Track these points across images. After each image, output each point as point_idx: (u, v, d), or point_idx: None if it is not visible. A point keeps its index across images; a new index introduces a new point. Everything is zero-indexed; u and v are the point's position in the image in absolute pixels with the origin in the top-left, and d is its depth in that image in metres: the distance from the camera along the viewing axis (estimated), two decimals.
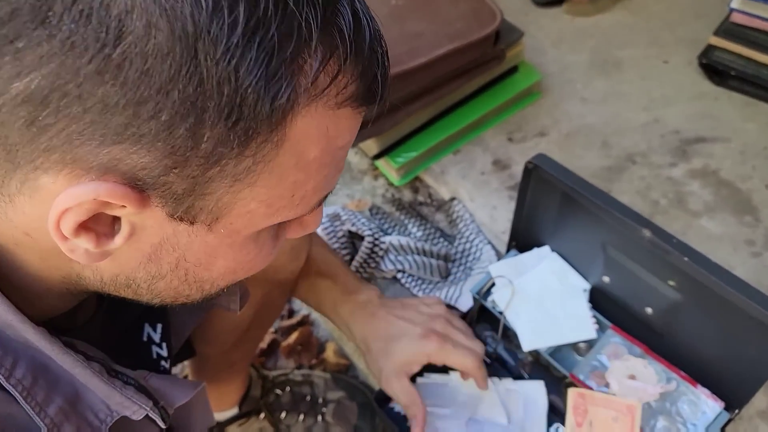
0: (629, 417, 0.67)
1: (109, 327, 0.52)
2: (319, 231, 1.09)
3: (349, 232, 1.10)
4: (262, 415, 1.03)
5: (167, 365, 0.60)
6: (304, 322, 1.24)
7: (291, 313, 1.26)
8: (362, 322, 0.80)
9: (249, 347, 0.95)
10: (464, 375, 0.83)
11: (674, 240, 0.69)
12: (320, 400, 1.07)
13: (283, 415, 1.04)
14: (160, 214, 0.35)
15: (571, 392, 0.71)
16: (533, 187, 0.82)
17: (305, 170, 0.36)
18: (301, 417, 1.05)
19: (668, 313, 0.77)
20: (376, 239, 1.06)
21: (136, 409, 0.43)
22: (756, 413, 0.83)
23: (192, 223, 0.36)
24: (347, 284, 0.84)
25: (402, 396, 0.78)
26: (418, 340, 0.77)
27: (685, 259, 0.67)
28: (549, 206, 0.83)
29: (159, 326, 0.60)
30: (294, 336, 1.19)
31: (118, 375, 0.44)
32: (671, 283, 0.74)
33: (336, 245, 1.09)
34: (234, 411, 1.02)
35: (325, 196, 0.41)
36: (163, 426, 0.45)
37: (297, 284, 0.86)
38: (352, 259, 1.09)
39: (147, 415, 0.44)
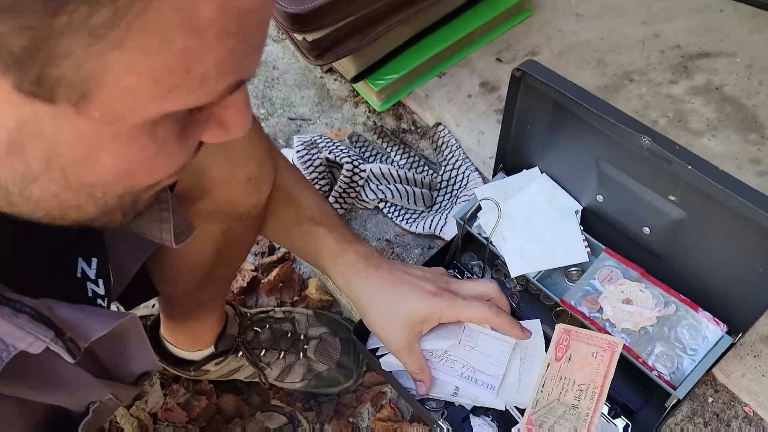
0: (609, 353, 0.63)
1: (28, 258, 0.44)
2: (295, 160, 1.02)
3: (327, 159, 1.03)
4: (240, 353, 0.98)
5: (104, 303, 0.53)
6: (286, 258, 1.18)
7: (272, 250, 1.20)
8: (366, 275, 0.70)
9: (218, 287, 0.88)
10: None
11: (677, 147, 0.62)
12: (302, 337, 1.03)
13: (263, 352, 1.00)
14: (5, 87, 0.27)
15: (558, 328, 0.67)
16: (522, 98, 0.75)
17: (198, 36, 0.27)
18: (282, 354, 1.00)
19: (667, 232, 0.71)
20: (356, 167, 0.99)
21: (31, 340, 0.37)
22: (759, 338, 0.78)
23: (52, 102, 0.28)
24: (345, 234, 0.73)
25: (412, 365, 0.72)
26: (429, 298, 0.68)
27: (689, 167, 0.61)
28: (538, 119, 0.76)
29: (94, 261, 0.52)
30: (274, 273, 1.13)
31: (9, 303, 0.37)
32: (672, 197, 0.68)
33: (313, 175, 1.02)
34: (210, 350, 0.97)
35: (240, 84, 0.32)
36: (70, 360, 0.38)
37: (287, 232, 0.77)
38: (330, 189, 1.02)
39: (51, 348, 0.37)
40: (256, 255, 1.20)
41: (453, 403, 0.80)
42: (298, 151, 1.03)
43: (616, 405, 0.76)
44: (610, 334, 0.72)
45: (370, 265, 0.71)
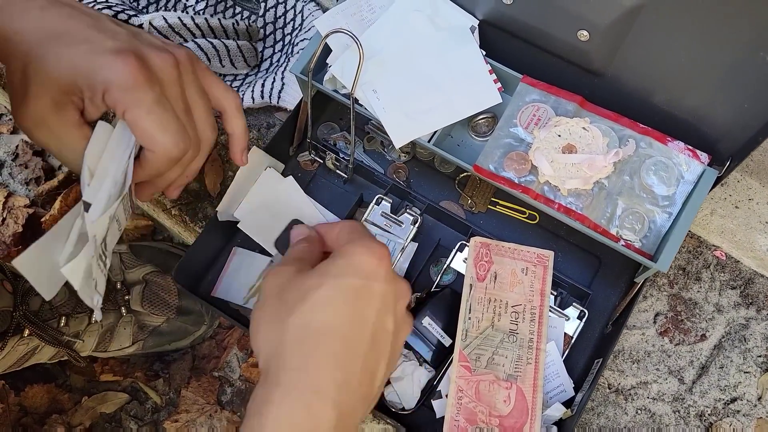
0: (541, 268, 0.53)
1: None
2: None
3: None
4: (27, 332, 0.67)
5: None
6: (73, 178, 0.83)
7: (49, 172, 0.84)
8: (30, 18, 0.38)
9: None
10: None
11: None
12: (118, 286, 0.73)
13: (63, 321, 0.69)
14: None
15: (474, 241, 0.54)
16: None
17: None
18: (93, 317, 0.70)
19: (615, 32, 0.46)
20: (126, 21, 0.64)
21: None
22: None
23: None
24: None
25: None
26: (103, 55, 0.38)
27: None
28: None
29: None
30: (59, 203, 0.79)
31: None
32: None
33: None
34: None
35: None
36: None
37: None
38: None
39: None
40: (28, 183, 0.84)
41: None
42: None
43: (562, 289, 0.56)
44: (553, 202, 0.49)
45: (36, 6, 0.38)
